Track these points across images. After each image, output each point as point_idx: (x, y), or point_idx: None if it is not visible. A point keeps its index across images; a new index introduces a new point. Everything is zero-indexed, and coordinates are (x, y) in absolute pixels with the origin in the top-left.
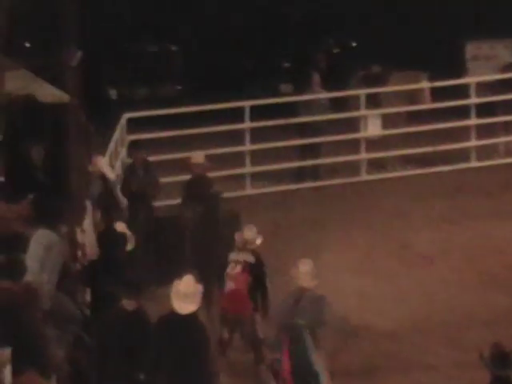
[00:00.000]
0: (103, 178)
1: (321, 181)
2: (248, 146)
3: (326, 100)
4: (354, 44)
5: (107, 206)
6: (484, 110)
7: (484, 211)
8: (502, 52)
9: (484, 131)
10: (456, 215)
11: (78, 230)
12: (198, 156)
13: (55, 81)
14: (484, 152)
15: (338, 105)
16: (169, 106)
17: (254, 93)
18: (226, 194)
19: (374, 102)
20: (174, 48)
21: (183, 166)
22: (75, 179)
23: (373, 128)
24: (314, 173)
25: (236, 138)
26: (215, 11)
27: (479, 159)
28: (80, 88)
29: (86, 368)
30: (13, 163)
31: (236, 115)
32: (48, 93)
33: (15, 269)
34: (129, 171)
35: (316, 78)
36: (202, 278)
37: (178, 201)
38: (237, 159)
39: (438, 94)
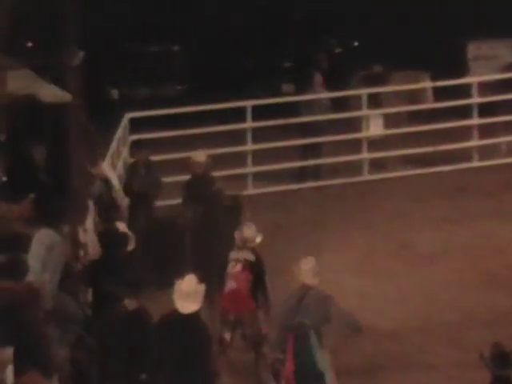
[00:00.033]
0: (105, 180)
1: (322, 181)
2: (249, 146)
3: (328, 100)
4: (355, 44)
5: (107, 206)
6: (486, 109)
7: (485, 211)
8: (503, 52)
9: (486, 131)
10: (457, 215)
11: (80, 230)
12: (199, 155)
13: (57, 81)
14: (486, 152)
15: (339, 105)
16: (170, 105)
17: (255, 93)
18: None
19: (375, 101)
20: (175, 48)
21: (185, 165)
22: (77, 179)
23: (374, 128)
24: (316, 173)
25: (237, 137)
26: (216, 11)
27: (481, 159)
28: (81, 88)
29: (87, 368)
30: (14, 163)
31: (238, 115)
32: (49, 93)
33: (17, 269)
34: (131, 171)
35: (318, 77)
36: (202, 278)
37: (179, 200)
38: (238, 159)
39: (439, 93)
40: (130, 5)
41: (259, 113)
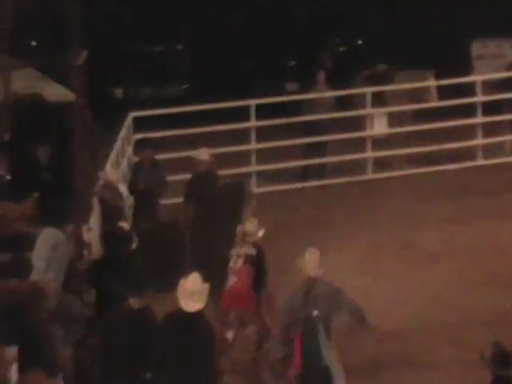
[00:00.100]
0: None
1: (326, 179)
2: (254, 145)
3: (332, 99)
4: (359, 43)
5: (111, 205)
6: (490, 108)
7: (489, 211)
8: (507, 50)
9: (490, 129)
10: (461, 215)
11: (84, 229)
12: (202, 153)
13: (61, 80)
14: (490, 150)
15: (343, 103)
16: (174, 105)
17: (259, 92)
18: None
19: (379, 100)
20: (179, 47)
21: (189, 164)
22: (80, 178)
23: (379, 126)
24: (320, 171)
25: (242, 136)
26: (220, 11)
27: (485, 158)
28: (85, 87)
29: (91, 367)
30: (18, 162)
31: (242, 114)
32: (54, 92)
33: (21, 268)
34: (136, 170)
35: (321, 76)
36: (204, 277)
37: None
38: (242, 158)
39: (444, 92)
40: (134, 5)
41: (263, 112)
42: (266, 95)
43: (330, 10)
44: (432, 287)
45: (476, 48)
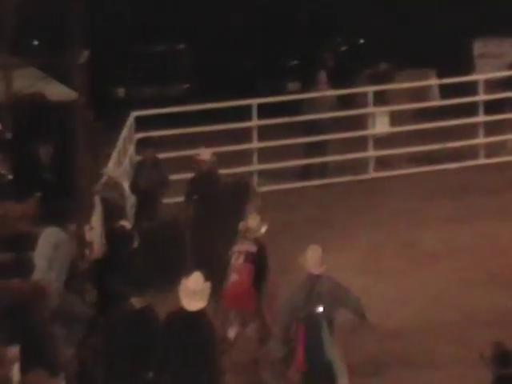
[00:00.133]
0: (112, 179)
1: (328, 179)
2: (255, 144)
3: (333, 98)
4: (361, 42)
5: (113, 204)
6: (492, 107)
7: (490, 210)
8: (509, 49)
9: (492, 128)
10: (462, 214)
11: (86, 229)
12: (204, 152)
13: (63, 79)
14: (492, 149)
15: (345, 102)
16: (176, 104)
17: (261, 91)
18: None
19: (381, 99)
20: (181, 47)
21: (190, 163)
22: (82, 178)
23: (380, 125)
24: (322, 171)
25: (243, 135)
26: (221, 10)
27: (487, 157)
28: (87, 86)
29: (93, 367)
30: (20, 162)
31: (243, 113)
32: (55, 91)
33: (23, 267)
34: (138, 169)
35: (322, 76)
36: (205, 276)
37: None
38: (244, 157)
39: (445, 91)
40: (135, 4)
41: (265, 111)
42: (268, 94)
43: (332, 10)
44: (433, 287)
45: (478, 47)
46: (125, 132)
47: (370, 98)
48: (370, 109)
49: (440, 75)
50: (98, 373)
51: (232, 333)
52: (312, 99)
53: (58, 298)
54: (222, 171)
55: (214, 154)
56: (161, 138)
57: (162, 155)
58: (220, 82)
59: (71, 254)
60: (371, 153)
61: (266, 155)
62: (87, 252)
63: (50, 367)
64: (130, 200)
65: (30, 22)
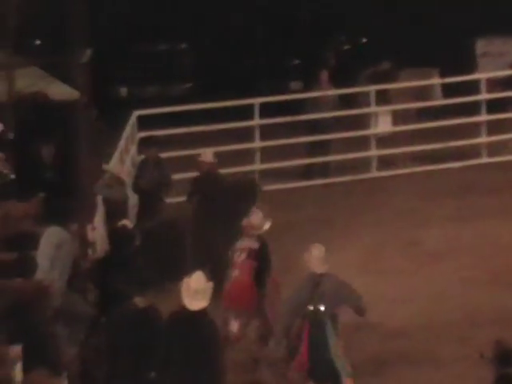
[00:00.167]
0: (115, 177)
1: (330, 178)
2: (257, 143)
3: (335, 97)
4: (363, 41)
5: (115, 204)
6: (494, 106)
7: (493, 209)
8: None
9: (494, 127)
10: (465, 213)
11: (88, 228)
12: (206, 153)
13: (65, 79)
14: (495, 148)
15: (347, 102)
16: (178, 103)
17: (263, 90)
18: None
19: (384, 98)
20: (183, 46)
21: (192, 163)
22: (85, 177)
23: (383, 125)
24: (324, 170)
25: (245, 135)
26: (224, 10)
27: (490, 155)
28: (90, 86)
29: (96, 366)
30: (23, 161)
31: (245, 112)
32: (58, 91)
33: (25, 267)
34: (141, 168)
35: (324, 75)
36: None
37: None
38: (246, 156)
39: (448, 90)
40: (137, 4)
41: (267, 110)
42: (270, 94)
43: (334, 9)
44: (435, 286)
45: (480, 46)
46: (127, 131)
47: (373, 97)
48: (373, 108)
49: (442, 74)
50: (101, 372)
51: (235, 327)
52: (314, 98)
53: (60, 298)
54: (225, 170)
55: (216, 153)
56: (163, 137)
57: (164, 154)
58: (222, 82)
59: (73, 253)
60: (374, 152)
61: (268, 154)
62: (89, 252)
63: (53, 366)
64: (132, 199)
65: (33, 22)
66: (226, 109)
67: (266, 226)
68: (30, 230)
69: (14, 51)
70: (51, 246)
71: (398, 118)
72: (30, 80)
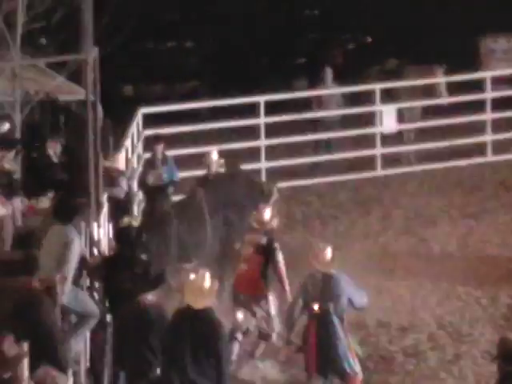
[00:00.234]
0: (121, 172)
1: (336, 175)
2: (263, 141)
3: (340, 95)
4: (369, 39)
5: (121, 201)
6: (499, 104)
7: (500, 206)
8: None
9: (500, 125)
10: (472, 210)
11: (95, 226)
12: (212, 154)
13: (72, 77)
14: (500, 146)
15: (353, 99)
16: (184, 101)
17: (268, 88)
18: None
19: (389, 96)
20: (189, 44)
21: (198, 160)
22: (92, 175)
23: (388, 122)
24: (329, 167)
25: (251, 132)
26: (230, 8)
27: (495, 153)
28: (96, 84)
29: (102, 363)
30: (30, 160)
31: (251, 110)
32: (65, 89)
33: (32, 264)
34: (148, 166)
35: (328, 73)
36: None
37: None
38: (252, 154)
39: (453, 88)
40: (143, 2)
41: (272, 108)
42: (275, 92)
43: (339, 7)
44: (444, 283)
45: (486, 43)
46: (133, 129)
47: (378, 94)
48: (378, 106)
49: (448, 72)
50: (106, 370)
51: (240, 315)
52: (319, 96)
53: (67, 296)
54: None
55: (222, 152)
56: (168, 134)
57: (169, 152)
58: (227, 80)
59: (80, 251)
60: (379, 150)
61: (273, 152)
62: (95, 250)
63: (59, 364)
64: (138, 197)
65: (41, 20)
66: (231, 107)
67: (274, 222)
68: (36, 228)
69: (22, 50)
70: (58, 244)
71: (404, 115)
72: (38, 79)
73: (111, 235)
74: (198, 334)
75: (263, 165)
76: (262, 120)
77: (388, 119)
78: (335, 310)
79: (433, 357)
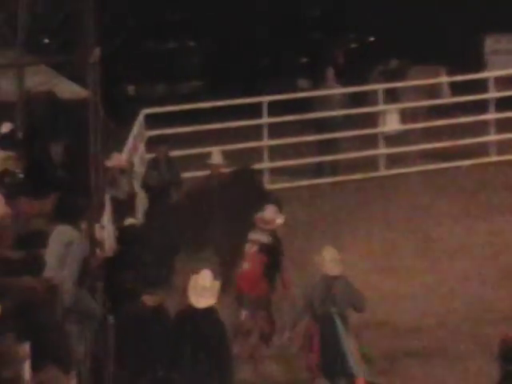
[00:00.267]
0: (123, 171)
1: (339, 176)
2: (266, 142)
3: (342, 95)
4: (371, 39)
5: (124, 202)
6: (503, 103)
7: (504, 206)
8: None
9: (503, 125)
10: (476, 210)
11: (97, 227)
12: (216, 156)
13: (74, 77)
14: (504, 146)
15: (356, 100)
16: (187, 101)
17: (271, 88)
18: None
19: (392, 96)
20: (191, 44)
21: (201, 161)
22: (94, 176)
23: (391, 123)
24: (333, 168)
25: (254, 133)
26: (232, 8)
27: (499, 153)
28: (99, 84)
29: (105, 364)
30: (32, 160)
31: (254, 110)
32: (67, 89)
33: (35, 265)
34: (151, 166)
35: (330, 73)
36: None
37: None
38: (255, 154)
39: (456, 88)
40: (145, 2)
41: (275, 108)
42: (278, 92)
43: (342, 7)
44: (448, 282)
45: (489, 43)
46: (135, 130)
47: (381, 95)
48: (381, 106)
49: (451, 72)
50: (110, 370)
51: (243, 314)
52: (322, 97)
53: (70, 296)
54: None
55: (225, 152)
56: (171, 135)
57: (172, 153)
58: (230, 80)
59: (83, 251)
60: (382, 150)
61: (276, 152)
62: (98, 250)
63: (62, 364)
64: (140, 196)
65: (43, 20)
66: (234, 107)
67: (279, 221)
68: (39, 228)
69: (24, 50)
70: (61, 245)
71: (407, 115)
72: (40, 79)
73: (113, 235)
74: (201, 333)
75: (266, 165)
76: (265, 120)
77: (391, 119)
78: (338, 312)
79: (436, 357)
